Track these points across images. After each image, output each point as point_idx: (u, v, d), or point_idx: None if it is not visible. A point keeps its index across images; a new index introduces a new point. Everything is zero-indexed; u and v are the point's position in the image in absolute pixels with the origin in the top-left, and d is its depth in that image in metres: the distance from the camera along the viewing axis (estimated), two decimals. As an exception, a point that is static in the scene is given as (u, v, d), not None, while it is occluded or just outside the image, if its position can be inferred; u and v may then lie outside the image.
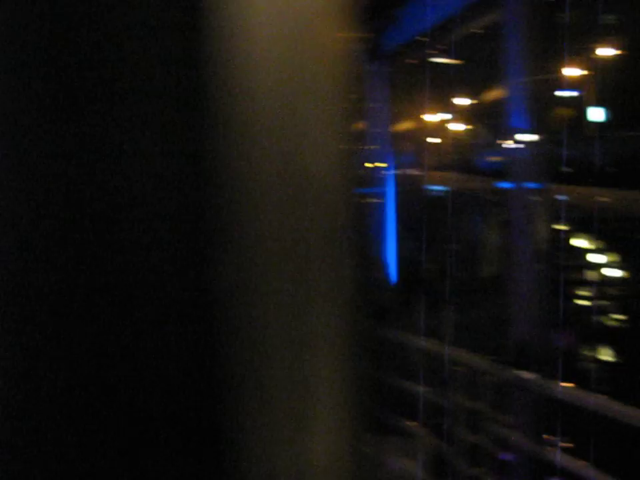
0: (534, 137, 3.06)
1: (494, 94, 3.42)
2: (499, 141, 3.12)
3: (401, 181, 7.35)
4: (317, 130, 1.05)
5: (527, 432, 2.87)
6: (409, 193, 6.89)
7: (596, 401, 2.71)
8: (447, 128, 7.03)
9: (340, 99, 1.09)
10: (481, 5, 3.27)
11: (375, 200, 4.39)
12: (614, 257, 7.57)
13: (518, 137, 3.01)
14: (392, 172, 6.79)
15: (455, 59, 4.29)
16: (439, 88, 5.03)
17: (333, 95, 1.07)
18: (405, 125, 6.48)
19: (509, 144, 3.05)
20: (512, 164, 2.96)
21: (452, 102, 6.29)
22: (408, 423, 4.12)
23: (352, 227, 1.10)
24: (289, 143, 1.01)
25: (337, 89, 1.08)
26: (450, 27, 3.58)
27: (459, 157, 6.99)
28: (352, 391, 1.10)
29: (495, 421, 3.18)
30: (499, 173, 3.20)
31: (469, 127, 7.25)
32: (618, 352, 5.51)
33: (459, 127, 7.49)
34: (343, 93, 1.09)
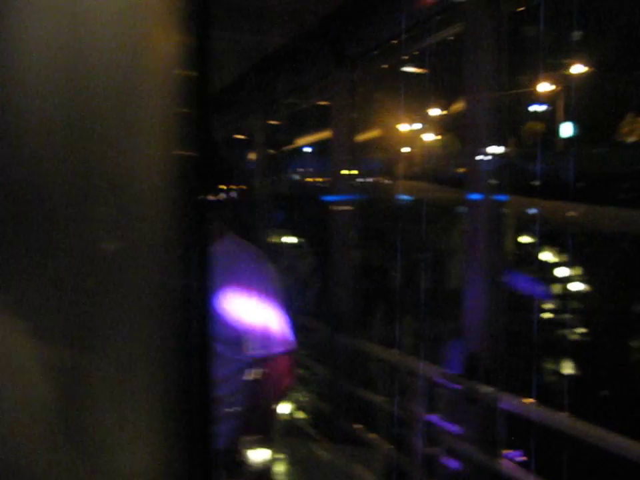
0: (503, 149, 3.05)
1: (462, 105, 3.41)
2: (469, 152, 3.10)
3: (368, 190, 7.35)
4: (145, 138, 1.02)
5: (481, 444, 2.86)
6: (376, 201, 6.89)
7: (546, 414, 2.71)
8: (418, 137, 7.04)
9: (172, 107, 1.05)
10: (446, 14, 3.26)
11: (340, 208, 4.36)
12: (579, 271, 7.61)
13: (488, 149, 3.00)
14: (359, 180, 6.79)
15: (424, 68, 4.29)
16: (409, 97, 5.02)
17: (165, 104, 1.04)
18: (373, 133, 6.46)
19: (479, 155, 3.04)
20: (480, 175, 2.94)
21: (422, 111, 6.29)
22: (366, 432, 4.11)
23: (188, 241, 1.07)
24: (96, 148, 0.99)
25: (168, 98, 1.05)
26: (419, 35, 3.57)
27: (430, 166, 6.99)
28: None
29: (450, 433, 3.18)
30: (468, 184, 3.19)
31: (440, 137, 7.26)
32: (578, 366, 5.53)
33: (430, 136, 7.50)
34: (176, 100, 1.05)
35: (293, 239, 6.61)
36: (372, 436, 4.09)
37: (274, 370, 2.47)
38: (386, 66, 4.47)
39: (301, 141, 7.10)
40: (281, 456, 5.08)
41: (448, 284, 3.28)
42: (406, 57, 4.13)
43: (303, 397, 5.44)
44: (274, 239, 6.41)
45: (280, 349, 2.47)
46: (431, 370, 3.36)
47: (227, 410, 2.48)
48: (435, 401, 3.36)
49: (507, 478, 2.82)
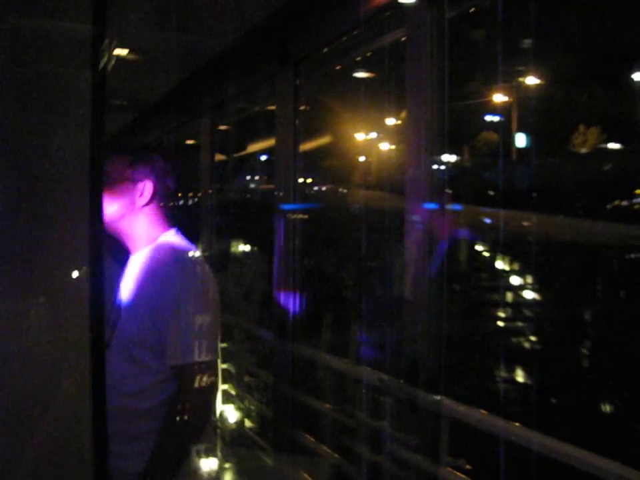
0: (457, 159, 3.01)
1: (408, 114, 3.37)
2: (420, 162, 3.04)
3: (322, 198, 7.33)
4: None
5: (425, 452, 2.80)
6: (329, 209, 6.87)
7: (488, 420, 2.66)
8: (372, 145, 7.03)
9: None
10: (393, 15, 3.21)
11: (292, 216, 4.29)
12: (530, 280, 7.70)
13: (442, 158, 2.94)
14: (313, 188, 6.77)
15: (372, 73, 4.24)
16: (360, 102, 4.97)
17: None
18: (324, 141, 6.43)
19: (432, 165, 2.98)
20: (434, 185, 2.89)
21: (376, 118, 6.26)
22: (312, 440, 4.04)
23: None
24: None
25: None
26: (369, 37, 3.52)
27: (385, 175, 6.97)
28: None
29: (396, 441, 3.12)
30: (420, 192, 3.13)
31: (392, 145, 7.25)
32: (528, 373, 5.55)
33: (382, 145, 7.48)
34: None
35: (243, 247, 6.54)
36: (318, 444, 4.02)
37: (185, 382, 2.35)
38: (335, 68, 4.41)
39: (253, 147, 7.05)
40: (228, 465, 4.99)
41: (397, 292, 3.23)
42: (357, 59, 4.07)
43: (250, 404, 5.36)
44: (224, 246, 6.33)
45: (192, 359, 2.34)
46: (375, 377, 3.30)
47: (149, 424, 2.36)
48: (380, 408, 3.30)
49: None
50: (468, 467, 2.83)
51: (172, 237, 2.52)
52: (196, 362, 2.29)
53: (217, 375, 2.39)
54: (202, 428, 2.38)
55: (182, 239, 2.55)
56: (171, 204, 2.61)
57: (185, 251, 2.52)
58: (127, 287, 2.46)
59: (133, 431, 2.34)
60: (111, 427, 2.40)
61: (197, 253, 2.53)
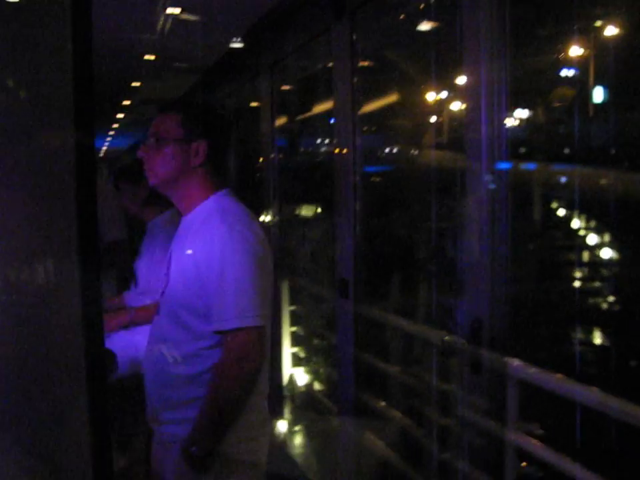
0: (530, 116, 2.85)
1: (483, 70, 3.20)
2: (494, 120, 2.90)
3: (392, 159, 7.17)
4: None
5: (496, 416, 2.69)
6: (399, 170, 6.71)
7: (563, 384, 2.53)
8: (440, 103, 6.83)
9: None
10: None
11: (355, 178, 4.19)
12: (608, 239, 7.35)
13: (514, 115, 2.79)
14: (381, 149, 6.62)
15: (437, 22, 4.04)
16: (425, 59, 4.80)
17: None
18: (388, 99, 6.26)
19: (504, 122, 2.84)
20: (506, 143, 2.75)
21: (446, 75, 6.05)
22: (379, 402, 3.99)
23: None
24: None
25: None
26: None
27: (453, 135, 6.76)
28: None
29: (465, 404, 3.02)
30: (495, 152, 2.98)
31: (464, 103, 7.02)
32: (606, 335, 5.32)
33: (452, 103, 7.26)
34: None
35: (308, 209, 6.46)
36: (384, 405, 3.96)
37: (229, 348, 2.26)
38: (397, 19, 4.20)
39: (318, 108, 6.91)
40: (297, 427, 4.99)
41: (464, 252, 3.11)
42: (420, 7, 3.84)
43: (318, 367, 5.33)
44: (289, 209, 6.27)
45: (236, 324, 2.24)
46: (439, 337, 3.20)
47: (198, 390, 2.30)
48: (446, 370, 3.20)
49: (518, 449, 2.65)
50: (540, 431, 2.71)
51: (223, 198, 2.43)
52: (240, 328, 2.21)
53: (264, 343, 2.29)
54: (245, 397, 2.31)
55: (234, 200, 2.46)
56: (230, 165, 2.54)
57: (234, 212, 2.41)
58: (176, 250, 2.40)
59: (181, 397, 2.31)
60: (160, 393, 2.39)
61: (248, 215, 2.43)
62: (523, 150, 3.39)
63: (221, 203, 2.40)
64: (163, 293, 2.42)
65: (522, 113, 3.06)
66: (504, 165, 2.79)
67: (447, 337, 3.01)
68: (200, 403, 2.26)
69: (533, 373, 2.62)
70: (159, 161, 2.40)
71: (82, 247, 1.00)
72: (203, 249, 2.27)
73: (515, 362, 2.60)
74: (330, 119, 7.40)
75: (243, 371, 2.26)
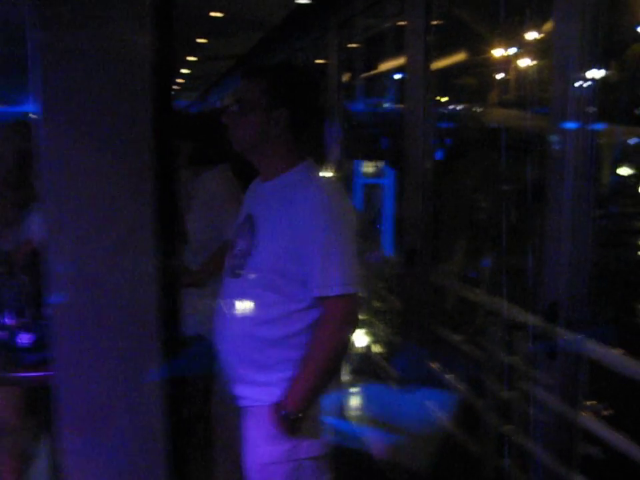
0: (603, 75, 2.72)
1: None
2: (564, 77, 2.78)
3: (457, 117, 7.04)
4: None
5: (562, 394, 2.65)
6: (464, 129, 6.59)
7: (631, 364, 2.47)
8: (511, 62, 6.67)
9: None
10: None
11: (421, 137, 4.12)
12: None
13: (587, 74, 2.67)
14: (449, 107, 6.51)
15: None
16: (494, 15, 4.66)
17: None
18: (459, 58, 6.13)
19: (577, 81, 2.72)
20: (577, 102, 2.63)
21: (516, 33, 5.89)
22: (441, 370, 3.97)
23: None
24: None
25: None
26: None
27: (522, 93, 6.59)
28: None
29: (530, 379, 2.99)
30: (563, 111, 2.87)
31: (533, 61, 6.82)
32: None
33: (521, 61, 7.07)
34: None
35: (372, 168, 6.41)
36: (447, 374, 3.94)
37: (331, 313, 2.30)
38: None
39: (383, 66, 6.81)
40: (354, 390, 5.02)
41: (534, 219, 3.02)
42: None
43: (378, 330, 5.33)
44: (352, 168, 6.23)
45: (339, 291, 2.28)
46: (511, 311, 3.15)
47: (282, 352, 2.34)
48: (515, 344, 3.16)
49: (586, 430, 2.61)
50: (607, 412, 2.66)
51: (310, 168, 2.43)
52: (344, 294, 2.25)
53: (358, 309, 2.35)
54: (341, 360, 2.40)
55: (318, 168, 2.46)
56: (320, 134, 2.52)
57: (328, 182, 2.44)
58: (262, 216, 2.40)
59: (264, 359, 2.35)
60: (243, 355, 2.42)
61: (336, 181, 2.44)
62: (591, 109, 3.23)
63: (309, 172, 2.41)
64: (235, 255, 2.43)
65: (595, 73, 2.91)
66: (578, 125, 2.68)
67: (518, 311, 2.97)
68: (284, 365, 2.31)
69: (603, 352, 2.56)
70: (241, 128, 2.39)
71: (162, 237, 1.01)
72: (298, 216, 2.28)
73: (591, 343, 2.54)
74: (393, 77, 7.30)
75: (345, 335, 2.34)
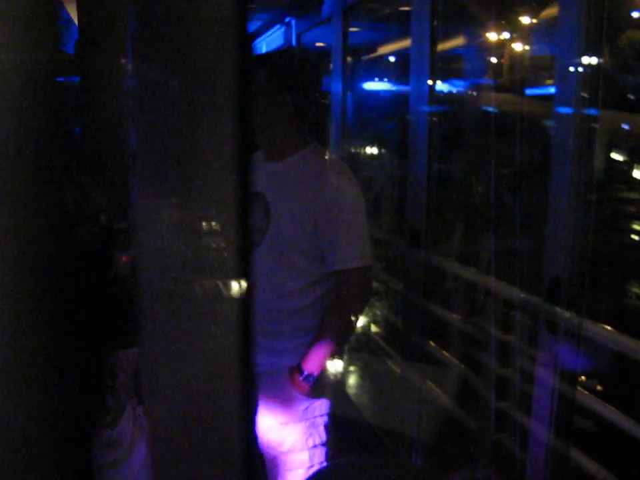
0: (597, 60, 2.80)
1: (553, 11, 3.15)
2: (558, 63, 2.87)
3: (453, 101, 7.10)
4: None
5: (557, 371, 2.77)
6: (461, 113, 6.65)
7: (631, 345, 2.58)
8: (506, 47, 6.71)
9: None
10: None
11: (422, 119, 4.20)
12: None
13: (581, 59, 2.76)
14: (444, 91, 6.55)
15: None
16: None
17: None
18: (457, 42, 6.18)
19: (569, 66, 2.81)
20: (569, 87, 2.73)
21: (512, 18, 5.95)
22: (438, 349, 4.07)
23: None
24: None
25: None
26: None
27: (518, 78, 6.65)
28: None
29: (526, 356, 3.10)
30: (557, 96, 2.96)
31: (527, 46, 6.88)
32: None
33: (519, 46, 7.12)
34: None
35: (372, 150, 6.48)
36: (444, 353, 4.05)
37: (351, 284, 2.45)
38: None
39: (383, 49, 6.86)
40: (353, 368, 5.12)
41: (531, 202, 3.12)
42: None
43: (377, 310, 5.43)
44: (354, 150, 6.29)
45: (358, 264, 2.44)
46: (508, 291, 3.25)
47: (297, 322, 2.49)
48: (511, 323, 3.27)
49: (581, 406, 2.74)
50: (599, 387, 2.78)
51: (318, 150, 2.55)
52: (362, 267, 2.43)
53: (367, 280, 2.54)
54: (353, 329, 2.65)
55: (324, 150, 2.59)
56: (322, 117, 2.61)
57: (335, 160, 2.60)
58: (273, 194, 2.50)
59: (281, 328, 2.49)
60: (260, 326, 2.55)
61: (343, 162, 2.58)
62: (585, 95, 3.33)
63: (318, 155, 2.54)
64: (261, 231, 2.54)
65: (587, 59, 3.00)
66: (569, 110, 2.78)
67: (522, 295, 3.06)
68: (299, 333, 2.49)
69: (599, 331, 2.67)
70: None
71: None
72: (313, 195, 2.43)
73: (589, 323, 2.65)
74: (392, 59, 7.35)
75: (362, 304, 2.59)
